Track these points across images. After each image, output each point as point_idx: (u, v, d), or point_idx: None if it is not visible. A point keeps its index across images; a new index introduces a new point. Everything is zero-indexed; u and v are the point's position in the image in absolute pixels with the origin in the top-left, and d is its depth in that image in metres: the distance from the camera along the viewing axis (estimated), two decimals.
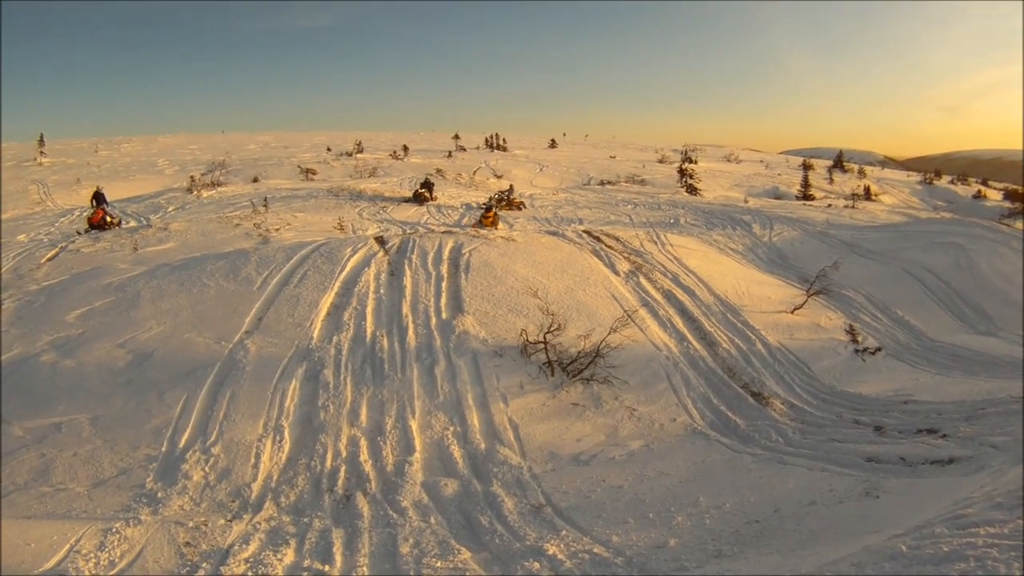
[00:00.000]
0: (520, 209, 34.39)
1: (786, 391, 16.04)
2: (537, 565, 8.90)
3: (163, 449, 11.75)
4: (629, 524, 10.11)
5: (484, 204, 30.80)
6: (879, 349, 19.27)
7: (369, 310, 16.56)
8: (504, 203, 34.01)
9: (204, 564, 8.93)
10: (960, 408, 14.09)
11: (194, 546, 9.36)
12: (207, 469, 11.36)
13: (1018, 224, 33.89)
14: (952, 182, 74.06)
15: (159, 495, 10.68)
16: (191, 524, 9.89)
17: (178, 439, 11.98)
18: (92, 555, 8.92)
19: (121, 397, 13.05)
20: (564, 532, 9.91)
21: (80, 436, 12.10)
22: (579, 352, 15.21)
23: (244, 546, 9.36)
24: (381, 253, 19.74)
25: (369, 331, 15.71)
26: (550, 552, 9.20)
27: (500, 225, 28.45)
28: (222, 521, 10.13)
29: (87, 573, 8.55)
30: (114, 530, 9.51)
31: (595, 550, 9.28)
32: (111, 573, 8.63)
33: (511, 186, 37.45)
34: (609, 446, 13.02)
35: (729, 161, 79.20)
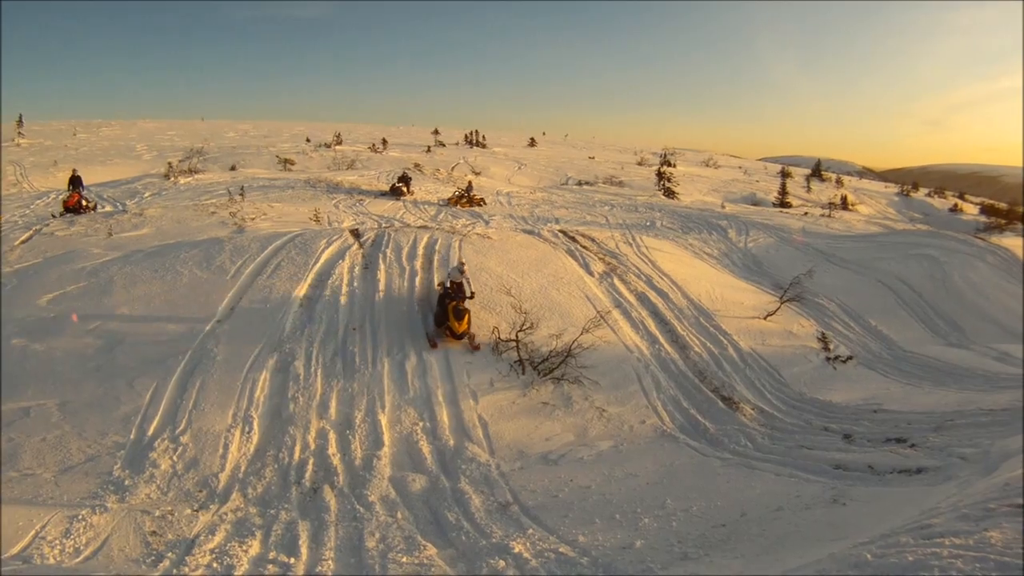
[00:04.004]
0: (480, 206, 34.41)
1: (756, 396, 16.18)
2: (503, 563, 8.96)
3: (131, 437, 11.73)
4: (596, 524, 10.20)
5: (440, 285, 17.16)
6: (850, 357, 19.45)
7: (342, 303, 16.61)
8: (464, 200, 34.36)
9: (169, 554, 8.95)
10: (929, 418, 14.27)
11: (160, 535, 9.38)
12: (175, 458, 11.35)
13: (993, 238, 34.26)
14: (929, 195, 74.77)
15: (126, 483, 10.67)
16: (157, 513, 9.90)
17: (147, 427, 11.98)
18: (57, 542, 8.93)
19: (91, 383, 12.99)
20: (530, 531, 9.97)
21: (48, 421, 12.04)
22: (551, 351, 15.30)
23: (210, 536, 9.38)
24: (356, 246, 19.74)
25: (341, 324, 15.75)
26: (516, 550, 9.27)
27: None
28: (189, 511, 10.15)
29: (52, 560, 8.55)
30: (80, 517, 9.52)
31: (561, 549, 9.35)
32: (76, 561, 8.63)
33: (470, 182, 37.39)
34: (578, 446, 13.09)
35: (708, 166, 79.52)
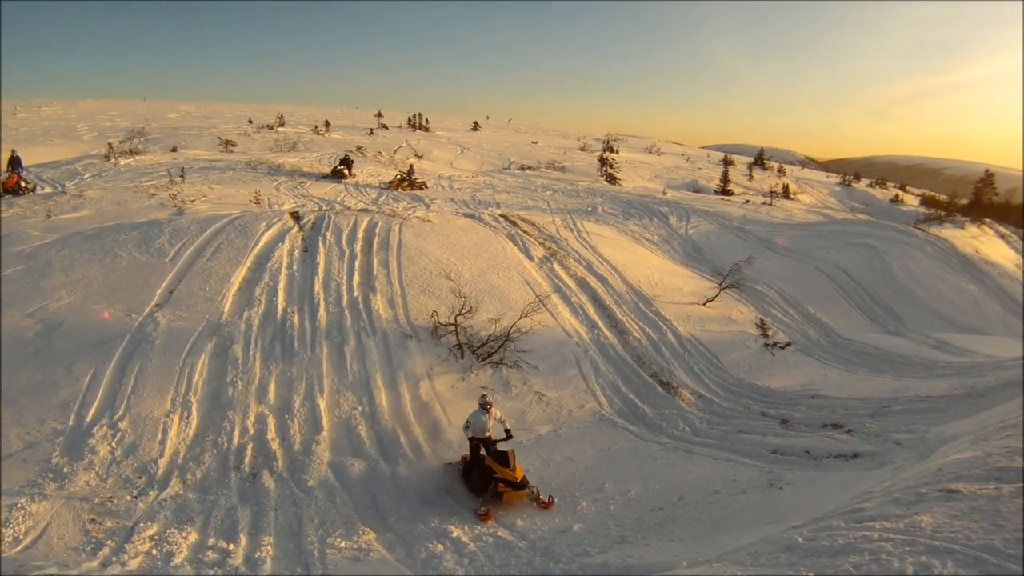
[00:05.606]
0: (422, 189, 34.31)
1: (695, 382, 16.56)
2: (441, 547, 9.19)
3: (70, 423, 11.67)
4: (534, 508, 10.44)
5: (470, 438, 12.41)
6: (789, 344, 19.94)
7: (281, 286, 16.62)
8: (406, 183, 34.24)
9: (109, 541, 9.01)
10: (866, 404, 14.77)
11: (99, 523, 9.41)
12: (114, 444, 11.32)
13: (932, 229, 35.06)
14: (871, 185, 75.54)
15: (65, 470, 10.64)
16: (97, 500, 9.93)
17: (85, 413, 11.91)
18: None
19: (29, 368, 12.84)
20: (469, 515, 10.20)
21: None
22: (489, 336, 15.53)
23: (149, 523, 9.46)
24: (296, 229, 19.72)
25: (280, 307, 15.79)
26: (454, 534, 9.52)
27: None
28: (128, 498, 10.18)
29: None
30: (19, 506, 9.50)
31: (499, 533, 9.61)
32: (16, 550, 8.62)
33: (411, 166, 37.19)
34: (517, 430, 13.28)
35: (650, 152, 79.52)
